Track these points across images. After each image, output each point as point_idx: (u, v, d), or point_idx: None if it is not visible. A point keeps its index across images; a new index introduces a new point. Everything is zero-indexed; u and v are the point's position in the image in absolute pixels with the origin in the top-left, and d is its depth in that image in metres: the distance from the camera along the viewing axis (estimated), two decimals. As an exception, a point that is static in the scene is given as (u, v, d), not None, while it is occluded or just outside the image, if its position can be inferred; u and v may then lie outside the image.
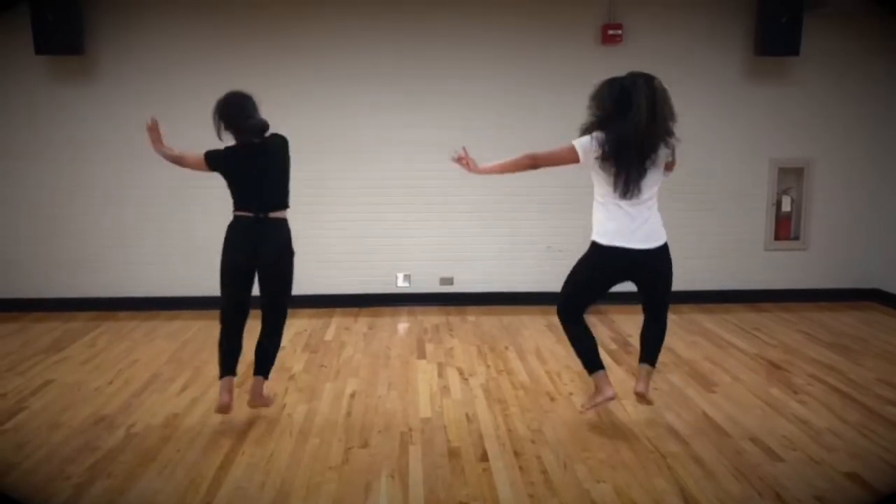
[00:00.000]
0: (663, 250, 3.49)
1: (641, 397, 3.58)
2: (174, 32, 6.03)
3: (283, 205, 3.67)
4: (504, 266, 6.42)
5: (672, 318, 5.79)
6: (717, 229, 6.43)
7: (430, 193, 6.32)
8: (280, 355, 4.90)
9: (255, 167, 3.59)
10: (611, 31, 6.02)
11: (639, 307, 3.67)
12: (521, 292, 6.43)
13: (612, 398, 3.59)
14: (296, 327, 5.62)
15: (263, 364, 3.78)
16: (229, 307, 3.70)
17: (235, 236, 3.62)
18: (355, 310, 6.24)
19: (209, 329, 5.60)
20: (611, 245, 3.42)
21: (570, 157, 3.45)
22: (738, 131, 6.33)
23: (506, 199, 6.31)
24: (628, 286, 3.62)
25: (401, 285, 6.43)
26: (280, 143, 3.67)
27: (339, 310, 6.21)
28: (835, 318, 5.91)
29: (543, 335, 5.43)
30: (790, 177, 6.46)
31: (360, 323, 5.86)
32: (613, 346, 5.12)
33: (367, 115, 6.22)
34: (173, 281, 6.27)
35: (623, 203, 3.39)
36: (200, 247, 6.20)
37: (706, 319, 5.87)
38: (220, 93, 5.95)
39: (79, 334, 5.51)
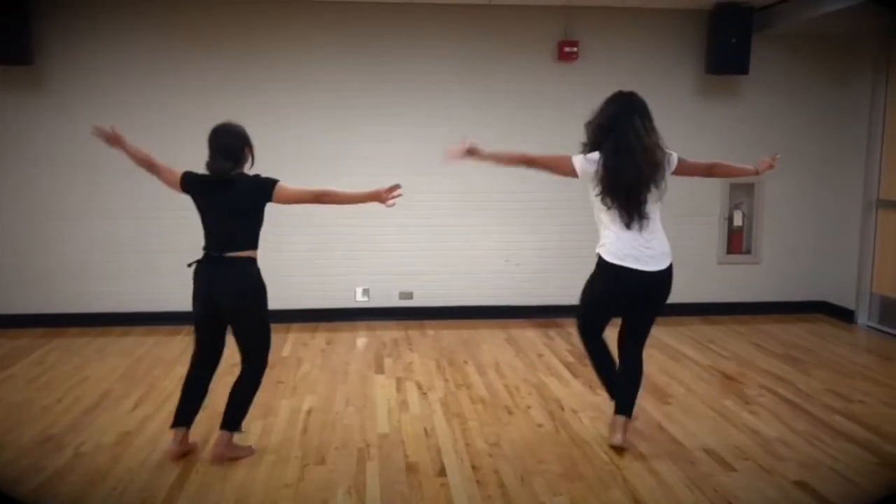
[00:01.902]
0: (669, 272, 3.52)
1: (621, 448, 3.53)
2: (125, 43, 5.93)
3: (244, 245, 3.40)
4: (463, 280, 6.43)
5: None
6: (671, 243, 6.51)
7: (388, 207, 6.29)
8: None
9: (217, 203, 3.39)
10: (567, 49, 6.11)
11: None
12: (480, 306, 6.45)
13: (616, 445, 3.52)
14: (252, 343, 5.55)
15: (227, 415, 3.45)
16: (195, 355, 3.53)
17: (196, 278, 3.42)
18: (313, 325, 6.19)
19: (163, 345, 5.51)
20: (621, 265, 3.42)
21: (566, 168, 3.46)
22: (691, 147, 6.38)
23: (464, 213, 6.35)
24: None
25: (359, 300, 6.40)
26: (251, 186, 3.40)
27: (296, 325, 6.14)
28: (785, 329, 6.05)
29: (502, 349, 5.45)
30: (741, 192, 6.62)
31: (317, 338, 5.80)
32: (571, 359, 5.16)
33: (324, 129, 6.20)
34: (126, 296, 6.14)
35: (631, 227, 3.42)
36: (153, 262, 6.10)
37: (661, 332, 5.94)
38: (173, 104, 5.98)
39: (26, 352, 5.35)
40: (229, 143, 3.42)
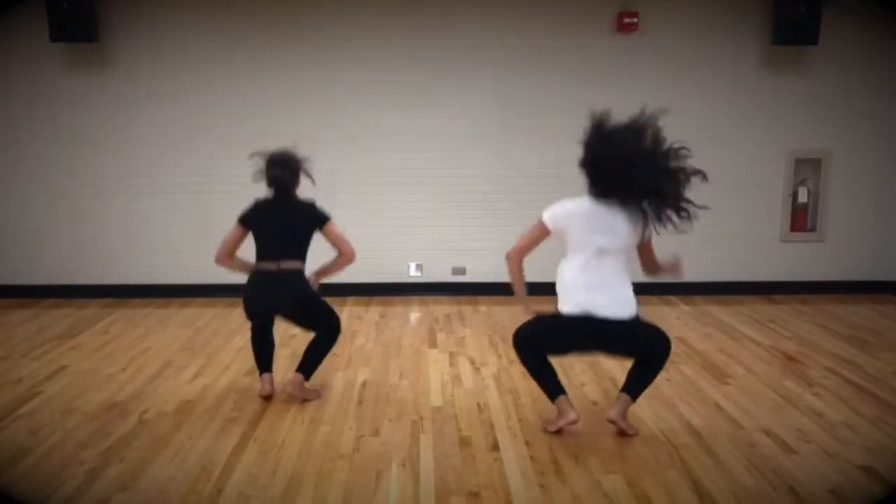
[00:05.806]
0: (636, 324, 3.26)
1: (614, 423, 3.39)
2: (187, 20, 6.03)
3: (294, 257, 3.79)
4: (516, 256, 6.39)
5: (686, 310, 5.83)
6: (732, 220, 6.37)
7: (443, 183, 6.30)
8: (292, 343, 4.94)
9: (275, 223, 3.77)
10: (626, 20, 5.96)
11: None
12: (533, 282, 6.36)
13: (574, 421, 3.37)
14: (308, 316, 5.64)
15: (304, 361, 3.91)
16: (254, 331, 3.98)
17: (251, 288, 3.85)
18: (367, 299, 6.25)
19: (222, 317, 5.64)
20: (572, 314, 3.26)
21: (543, 233, 3.48)
22: (755, 121, 6.26)
23: (517, 189, 6.29)
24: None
25: (413, 275, 6.42)
26: (307, 214, 3.80)
27: (350, 298, 6.22)
28: (851, 310, 5.84)
29: (555, 326, 5.40)
30: (807, 168, 6.38)
31: (371, 312, 5.86)
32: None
33: (379, 105, 6.20)
34: (186, 269, 6.30)
35: (588, 266, 3.29)
36: (214, 235, 6.21)
37: (720, 311, 5.82)
38: (232, 82, 6.06)
39: (93, 321, 5.56)
40: (282, 175, 3.74)
